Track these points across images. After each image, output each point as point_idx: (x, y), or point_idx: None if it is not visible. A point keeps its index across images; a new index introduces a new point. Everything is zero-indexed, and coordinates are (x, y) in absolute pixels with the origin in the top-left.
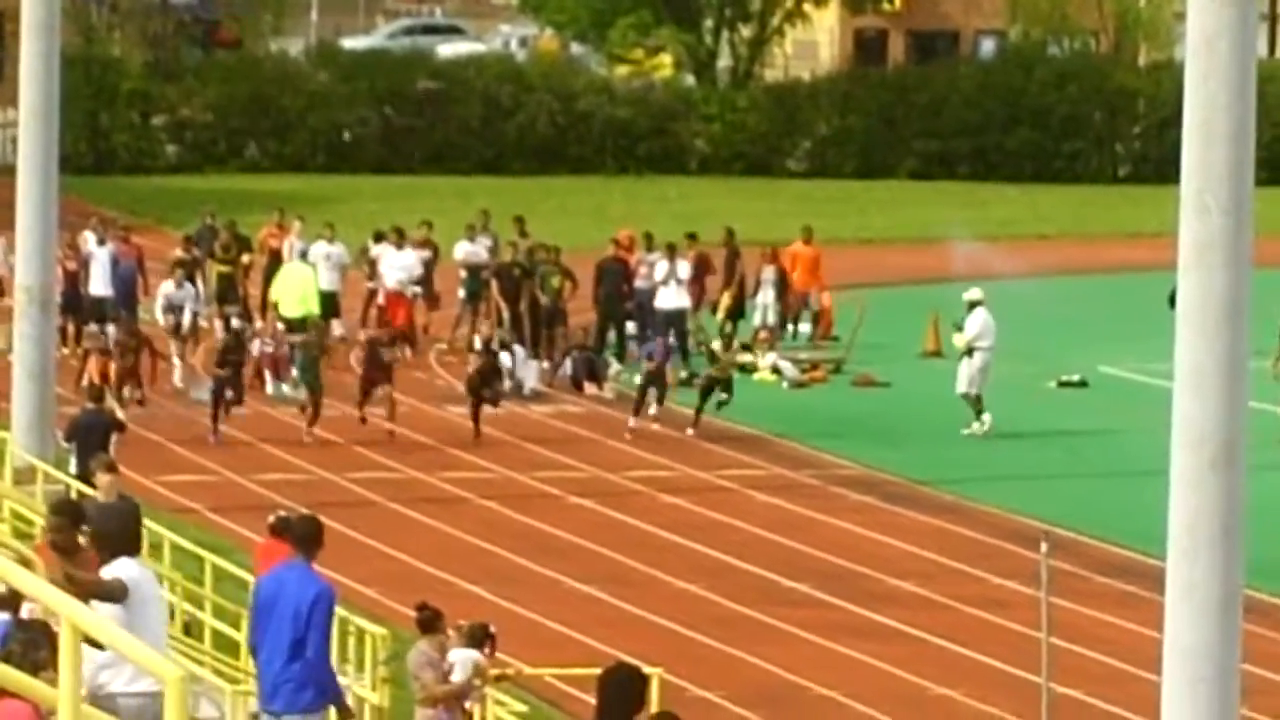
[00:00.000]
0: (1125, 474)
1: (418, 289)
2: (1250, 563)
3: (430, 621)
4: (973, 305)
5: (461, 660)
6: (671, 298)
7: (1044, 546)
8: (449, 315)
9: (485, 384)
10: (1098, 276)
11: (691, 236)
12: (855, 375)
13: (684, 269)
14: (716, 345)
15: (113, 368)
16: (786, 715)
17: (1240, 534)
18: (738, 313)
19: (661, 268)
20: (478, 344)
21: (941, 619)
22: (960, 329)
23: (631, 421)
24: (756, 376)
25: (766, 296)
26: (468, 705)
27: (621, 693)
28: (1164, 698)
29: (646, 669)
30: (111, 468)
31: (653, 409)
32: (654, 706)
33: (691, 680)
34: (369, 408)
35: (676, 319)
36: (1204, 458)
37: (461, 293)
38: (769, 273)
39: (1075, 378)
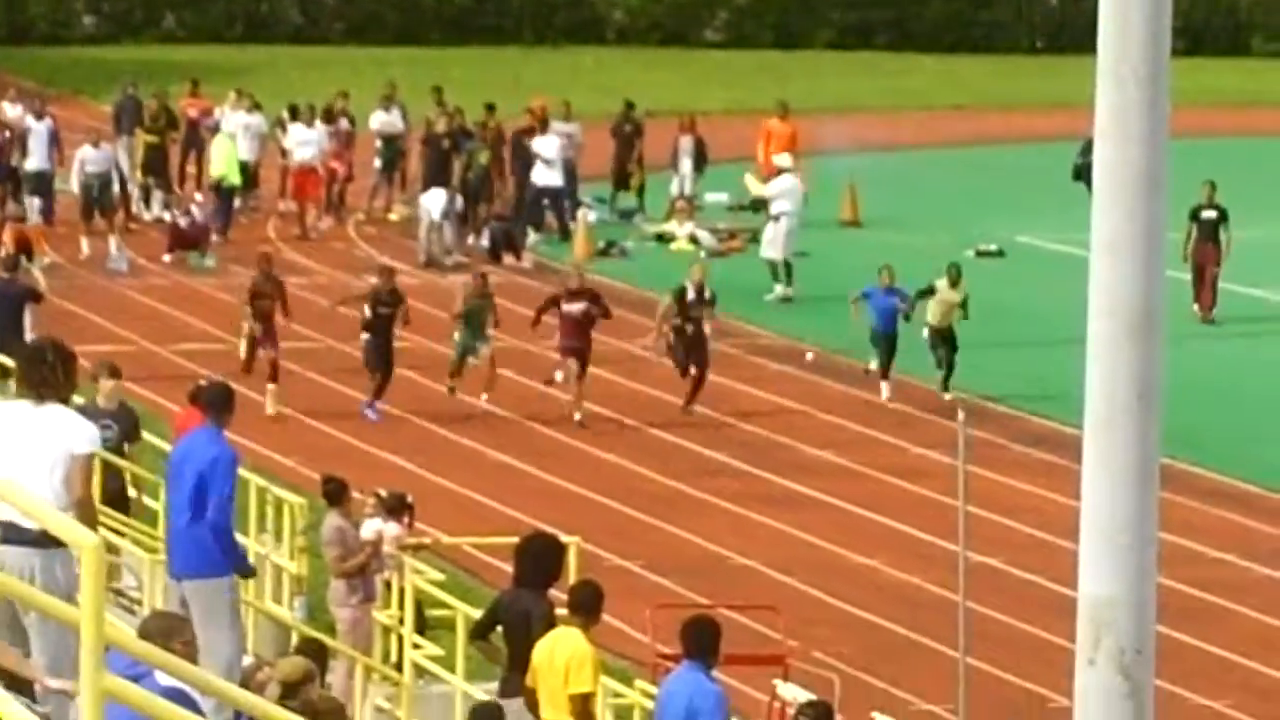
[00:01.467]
0: (1043, 343)
1: (335, 162)
2: (1168, 431)
3: (337, 493)
4: (780, 171)
5: (374, 531)
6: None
7: (961, 415)
8: (365, 186)
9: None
10: (1015, 147)
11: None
12: None
13: (551, 145)
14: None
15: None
16: (704, 584)
17: (1157, 402)
18: (622, 185)
19: (552, 143)
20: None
21: (861, 489)
22: (763, 182)
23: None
24: (674, 246)
25: (684, 167)
26: (386, 574)
27: (539, 561)
28: (1081, 566)
29: (564, 538)
30: (115, 372)
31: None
32: (572, 575)
33: (610, 550)
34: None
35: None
36: (1121, 326)
37: (377, 163)
38: (686, 143)
39: (992, 247)
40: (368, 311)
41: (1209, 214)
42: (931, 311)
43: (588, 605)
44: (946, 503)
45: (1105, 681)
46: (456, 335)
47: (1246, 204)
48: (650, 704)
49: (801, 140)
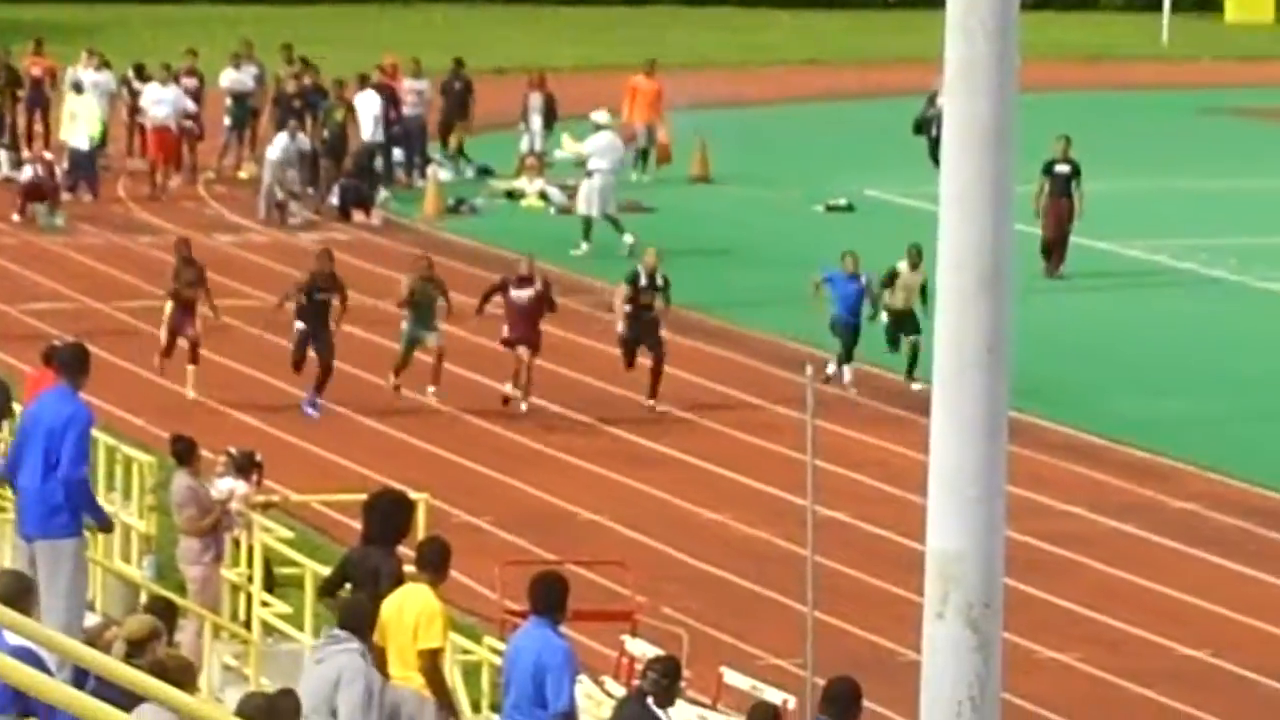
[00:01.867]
0: None
1: (190, 122)
2: (1017, 385)
3: (186, 453)
4: (598, 128)
5: (225, 490)
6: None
7: (809, 370)
8: (216, 144)
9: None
10: (868, 102)
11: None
12: (622, 201)
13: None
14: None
15: None
16: (553, 540)
17: (1006, 356)
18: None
19: (372, 100)
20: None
21: (712, 444)
22: (579, 140)
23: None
24: (524, 203)
25: (534, 123)
26: (235, 533)
27: (387, 518)
28: (929, 520)
29: (413, 494)
30: None
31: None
32: (420, 531)
33: (459, 506)
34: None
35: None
36: (970, 280)
37: (227, 121)
38: (535, 100)
39: (842, 202)
40: (302, 298)
41: (1062, 169)
42: (897, 297)
43: (436, 561)
44: (796, 458)
45: (954, 635)
46: (404, 325)
47: (1095, 158)
48: (498, 660)
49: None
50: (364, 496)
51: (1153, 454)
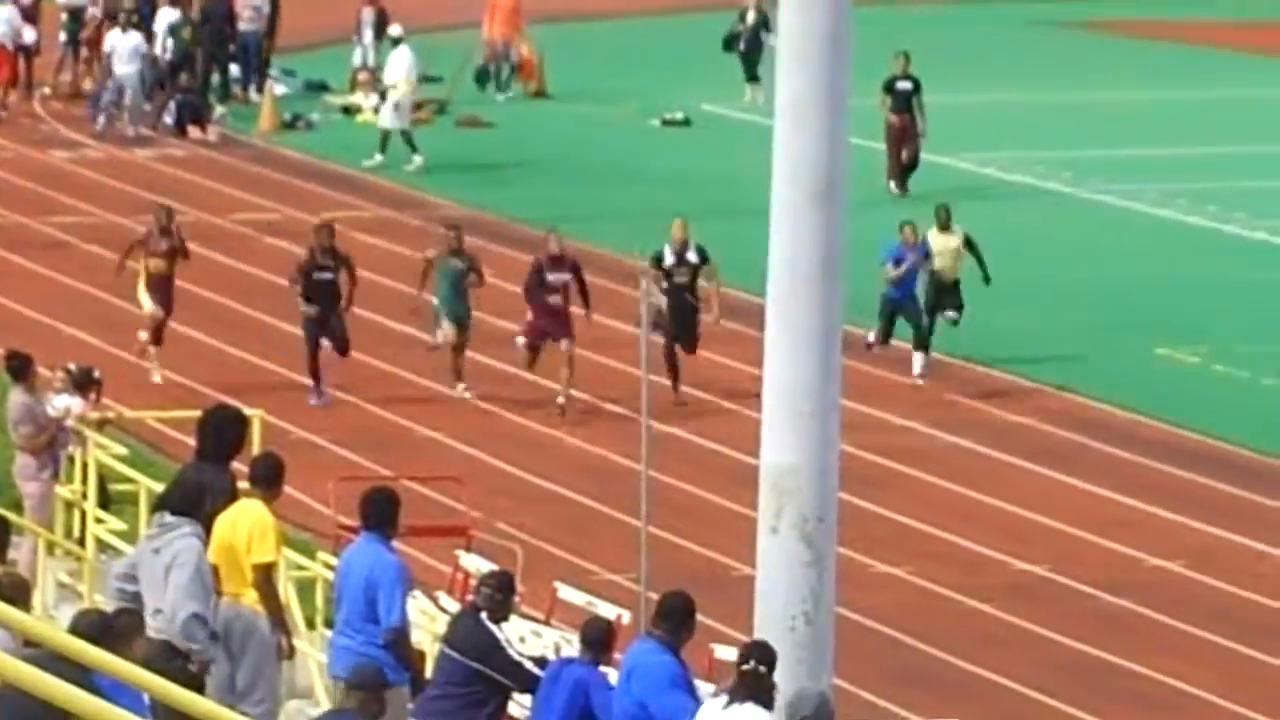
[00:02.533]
0: (729, 212)
1: (28, 39)
2: (854, 299)
3: (22, 369)
4: (396, 41)
5: (62, 406)
6: None
7: (644, 284)
8: (51, 60)
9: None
10: (704, 15)
11: None
12: (460, 116)
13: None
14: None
15: None
16: (389, 456)
17: (841, 271)
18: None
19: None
20: None
21: (547, 360)
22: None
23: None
24: (360, 118)
25: (366, 37)
26: (70, 449)
27: (220, 434)
28: (764, 433)
29: (247, 411)
30: None
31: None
32: (254, 448)
33: (294, 423)
34: None
35: None
36: (804, 194)
37: (63, 36)
38: (368, 14)
39: (678, 116)
40: (302, 281)
41: (904, 85)
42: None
43: (269, 478)
44: (632, 372)
45: (788, 549)
46: (435, 302)
47: (934, 73)
48: (332, 575)
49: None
50: (198, 413)
51: (988, 368)
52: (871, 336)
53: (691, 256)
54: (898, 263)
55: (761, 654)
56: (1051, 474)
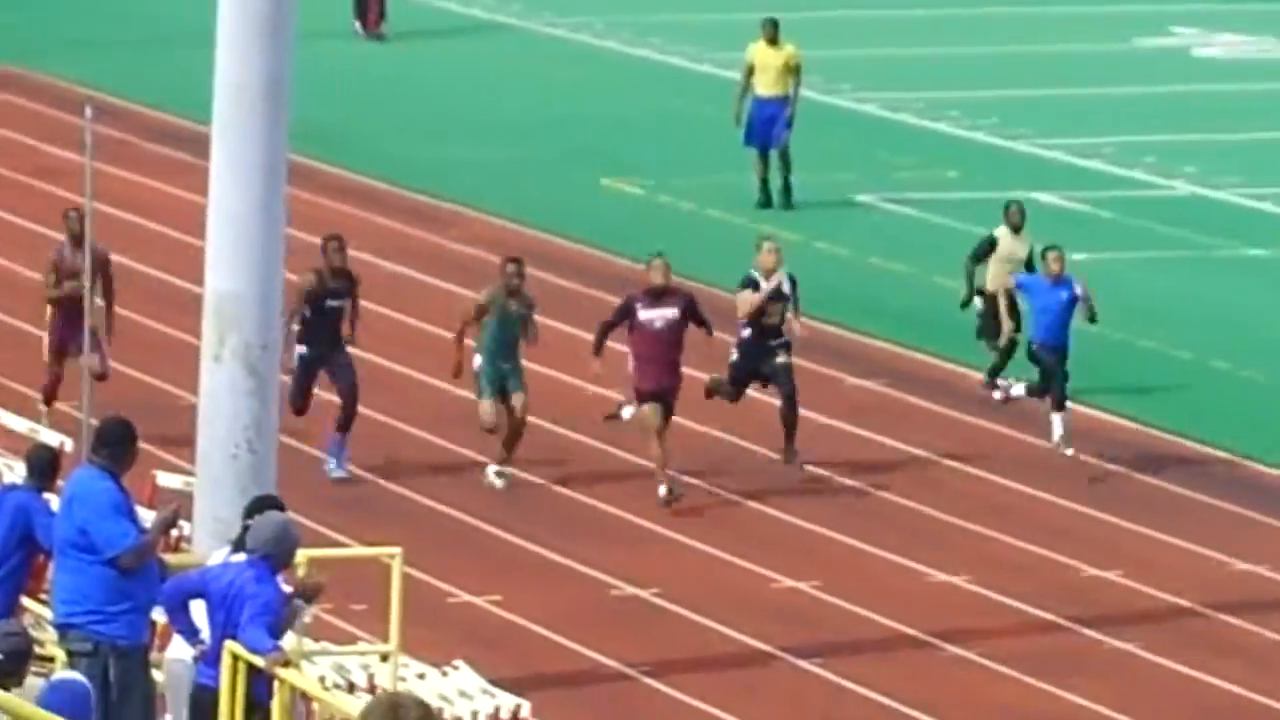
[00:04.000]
0: (169, 39)
1: None
2: (301, 128)
3: None
4: None
5: None
6: None
7: (89, 112)
8: None
9: None
10: None
11: None
12: None
13: None
14: None
15: None
16: None
17: (286, 99)
18: None
19: None
20: None
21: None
22: None
23: None
24: None
25: None
26: None
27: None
28: (208, 260)
29: None
30: None
31: None
32: None
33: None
34: None
35: None
36: (250, 22)
37: None
38: None
39: None
40: (307, 311)
41: None
42: (991, 273)
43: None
44: (71, 199)
45: (231, 377)
46: (478, 360)
47: None
48: None
49: None
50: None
51: (431, 198)
52: (1016, 389)
53: (784, 285)
54: (1022, 290)
55: (259, 505)
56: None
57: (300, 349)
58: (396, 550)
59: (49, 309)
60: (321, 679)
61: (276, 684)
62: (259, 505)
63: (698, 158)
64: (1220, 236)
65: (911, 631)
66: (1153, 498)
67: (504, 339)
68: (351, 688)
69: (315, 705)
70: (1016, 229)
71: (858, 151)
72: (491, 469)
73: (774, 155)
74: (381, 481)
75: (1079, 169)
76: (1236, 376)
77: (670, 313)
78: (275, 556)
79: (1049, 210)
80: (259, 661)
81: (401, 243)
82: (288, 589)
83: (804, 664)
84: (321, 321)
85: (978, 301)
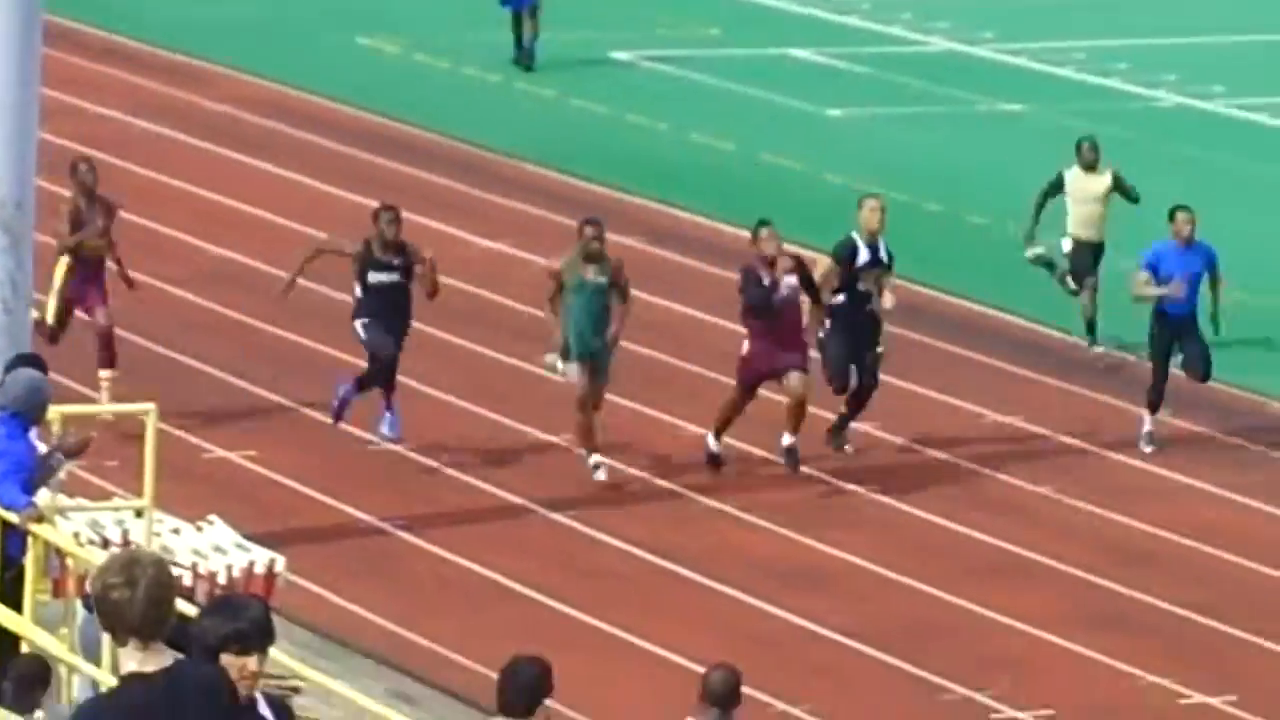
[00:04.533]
0: None
1: None
2: None
3: None
4: None
5: None
6: None
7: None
8: None
9: None
10: None
11: None
12: None
13: None
14: None
15: None
16: None
17: None
18: None
19: None
20: None
21: None
22: None
23: None
24: None
25: None
26: None
27: None
28: None
29: None
30: None
31: None
32: None
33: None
34: None
35: None
36: None
37: None
38: None
39: None
40: (357, 288)
41: None
42: (1073, 218)
43: None
44: None
45: None
46: (559, 334)
47: None
48: None
49: None
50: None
51: (188, 57)
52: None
53: (883, 253)
54: (1152, 267)
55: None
56: (248, 160)
57: (361, 323)
58: (150, 406)
59: (62, 263)
60: (76, 535)
61: (30, 539)
62: (17, 363)
63: (454, 15)
64: (977, 92)
65: (668, 484)
66: (910, 350)
67: (591, 311)
68: (106, 544)
69: (69, 561)
70: (1090, 166)
71: (617, 8)
72: (591, 461)
73: (524, 14)
74: (137, 339)
75: (837, 25)
76: (992, 231)
77: (792, 280)
78: (26, 413)
79: (806, 65)
80: (12, 518)
81: (157, 100)
82: (44, 447)
83: (558, 517)
84: (372, 298)
85: (1065, 244)
